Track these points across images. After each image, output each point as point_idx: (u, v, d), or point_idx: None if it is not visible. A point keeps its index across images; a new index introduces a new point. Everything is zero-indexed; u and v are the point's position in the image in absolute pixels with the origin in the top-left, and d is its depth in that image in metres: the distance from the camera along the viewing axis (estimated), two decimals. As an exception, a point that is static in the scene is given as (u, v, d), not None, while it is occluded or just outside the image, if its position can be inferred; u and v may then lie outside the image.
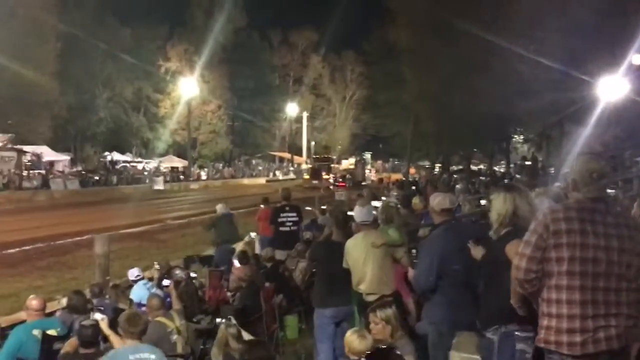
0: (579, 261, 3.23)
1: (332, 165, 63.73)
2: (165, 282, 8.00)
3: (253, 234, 11.31)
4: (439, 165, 47.96)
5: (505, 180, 21.37)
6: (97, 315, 6.37)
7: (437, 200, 5.42)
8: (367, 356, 4.69)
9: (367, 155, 78.90)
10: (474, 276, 4.56)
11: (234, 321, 6.69)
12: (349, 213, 7.55)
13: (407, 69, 40.01)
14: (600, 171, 3.38)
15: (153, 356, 5.06)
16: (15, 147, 44.19)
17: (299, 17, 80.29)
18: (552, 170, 23.19)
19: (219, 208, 13.76)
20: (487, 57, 28.92)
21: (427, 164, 56.54)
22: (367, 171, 68.74)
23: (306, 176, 60.68)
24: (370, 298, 6.20)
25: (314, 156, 70.79)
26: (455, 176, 30.39)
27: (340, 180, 56.03)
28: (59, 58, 52.03)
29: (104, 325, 6.18)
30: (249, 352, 4.80)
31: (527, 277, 3.33)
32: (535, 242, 3.32)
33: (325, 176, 57.08)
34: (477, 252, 4.55)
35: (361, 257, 6.41)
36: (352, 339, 4.85)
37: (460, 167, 47.61)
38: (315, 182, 53.71)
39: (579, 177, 3.40)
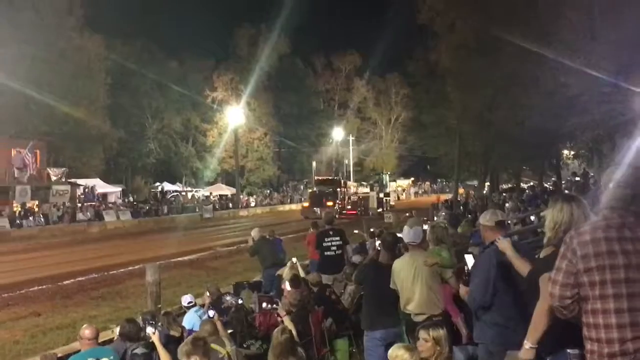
0: (611, 284, 3.11)
1: (339, 190, 52.89)
2: (210, 312, 8.07)
3: (294, 259, 11.36)
4: (488, 184, 47.32)
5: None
6: (149, 329, 6.47)
7: (489, 216, 5.33)
8: None
9: (386, 177, 70.29)
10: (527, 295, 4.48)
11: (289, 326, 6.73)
12: (398, 235, 7.52)
13: (451, 89, 39.80)
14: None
15: None
16: (69, 180, 45.28)
17: (341, 41, 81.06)
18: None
19: (254, 233, 13.77)
20: (533, 72, 28.60)
21: (475, 183, 55.82)
22: (382, 195, 57.73)
23: (305, 203, 52.32)
24: (419, 318, 6.14)
25: (316, 178, 60.45)
26: (504, 194, 30.02)
27: (349, 207, 49.58)
28: (108, 92, 53.50)
29: (156, 339, 6.28)
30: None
31: (563, 304, 3.24)
32: (565, 269, 3.22)
33: (329, 203, 47.34)
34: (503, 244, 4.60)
35: (409, 277, 6.39)
36: (401, 354, 4.76)
37: (510, 185, 46.95)
38: (317, 210, 44.45)
39: (606, 190, 3.31)
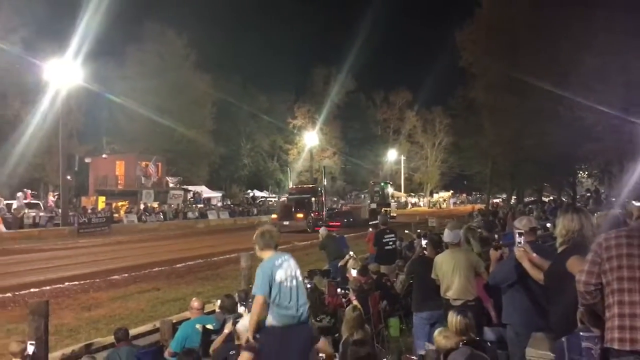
0: (627, 280, 3.07)
1: (315, 199, 37.01)
2: None
3: (352, 253, 11.38)
4: (514, 197, 46.11)
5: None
6: (241, 308, 6.54)
7: (524, 222, 5.11)
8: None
9: (387, 187, 48.67)
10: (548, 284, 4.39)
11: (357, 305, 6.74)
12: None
13: (485, 120, 39.15)
14: None
15: (291, 260, 4.73)
16: (182, 187, 46.48)
17: (396, 80, 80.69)
18: (613, 199, 21.87)
19: (322, 231, 13.76)
20: (555, 107, 27.93)
21: (503, 196, 54.43)
22: (374, 206, 40.32)
23: (273, 215, 36.71)
24: (457, 302, 6.11)
25: (290, 187, 42.82)
26: (530, 206, 29.22)
27: (328, 219, 35.27)
28: (213, 120, 54.77)
29: (245, 315, 6.37)
30: (356, 350, 4.74)
31: (587, 289, 3.21)
32: (591, 259, 3.20)
33: (299, 215, 33.82)
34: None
35: (450, 269, 6.36)
36: (439, 339, 4.77)
37: (533, 198, 45.64)
38: (286, 223, 31.89)
39: (635, 208, 3.27)
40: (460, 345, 4.57)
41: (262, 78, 64.49)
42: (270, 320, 4.32)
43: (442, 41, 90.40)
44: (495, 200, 52.18)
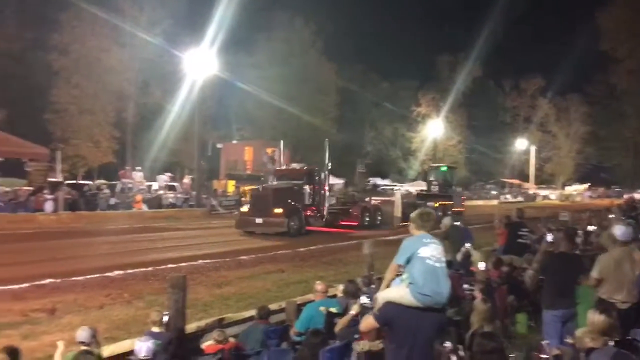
0: None
1: (308, 187, 24.13)
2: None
3: (467, 245, 11.05)
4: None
5: None
6: (363, 299, 6.56)
7: None
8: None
9: (452, 174, 34.47)
10: None
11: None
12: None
13: (628, 107, 36.19)
14: None
15: (440, 246, 4.53)
16: (305, 173, 47.57)
17: (527, 66, 76.44)
18: None
19: (447, 221, 13.44)
20: None
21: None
22: (422, 200, 28.01)
23: (244, 209, 24.68)
24: (624, 306, 5.71)
25: (276, 169, 29.39)
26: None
27: (339, 215, 25.94)
28: (337, 107, 55.48)
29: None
30: (484, 343, 4.60)
31: None
32: None
33: (277, 210, 21.73)
34: None
35: (620, 269, 5.92)
36: (586, 340, 4.44)
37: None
38: (259, 220, 22.10)
39: None
40: (608, 345, 4.27)
41: (385, 65, 64.46)
42: (407, 297, 4.31)
43: (579, 24, 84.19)
44: (635, 195, 47.99)
